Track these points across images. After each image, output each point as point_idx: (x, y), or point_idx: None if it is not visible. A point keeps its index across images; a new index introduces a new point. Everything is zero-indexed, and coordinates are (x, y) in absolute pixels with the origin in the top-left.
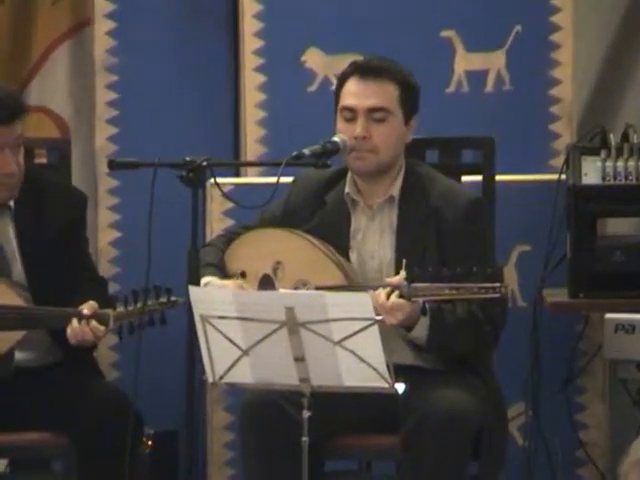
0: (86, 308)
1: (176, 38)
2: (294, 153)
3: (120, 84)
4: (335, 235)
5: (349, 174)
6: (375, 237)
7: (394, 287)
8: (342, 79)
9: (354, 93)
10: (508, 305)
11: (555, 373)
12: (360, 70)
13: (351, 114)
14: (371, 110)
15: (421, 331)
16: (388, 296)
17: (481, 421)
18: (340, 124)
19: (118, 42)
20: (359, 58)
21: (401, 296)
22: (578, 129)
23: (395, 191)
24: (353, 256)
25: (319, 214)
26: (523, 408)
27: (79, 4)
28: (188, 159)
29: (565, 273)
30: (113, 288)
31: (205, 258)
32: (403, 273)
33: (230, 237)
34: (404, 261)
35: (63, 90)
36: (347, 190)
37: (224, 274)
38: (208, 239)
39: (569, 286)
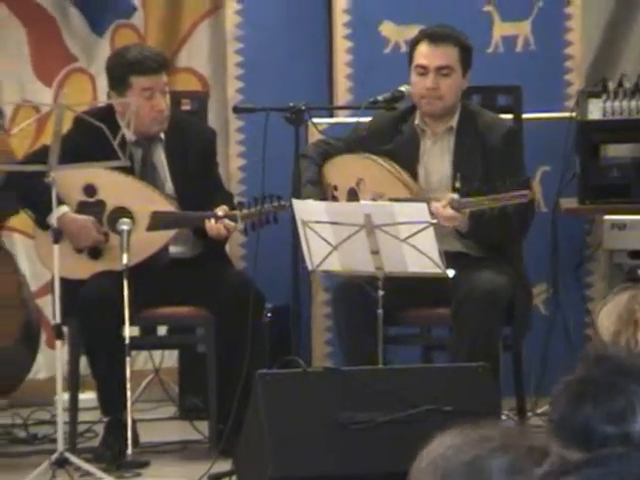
0: (219, 210)
1: (285, 16)
2: (370, 99)
3: (245, 50)
4: (408, 154)
5: (418, 110)
6: (437, 157)
7: (448, 202)
8: (414, 43)
9: (425, 55)
10: (535, 205)
11: (569, 260)
12: (429, 36)
13: (423, 70)
14: (439, 68)
15: (464, 226)
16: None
17: (511, 296)
18: (414, 77)
19: (243, 19)
20: (422, 28)
21: (452, 208)
22: (586, 78)
23: (453, 123)
24: (421, 170)
25: (396, 139)
26: (545, 287)
27: None
28: (291, 104)
29: (576, 186)
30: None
31: (305, 174)
32: (454, 194)
33: (325, 150)
34: (458, 174)
35: (204, 55)
36: (417, 122)
37: (319, 188)
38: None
39: (578, 196)
